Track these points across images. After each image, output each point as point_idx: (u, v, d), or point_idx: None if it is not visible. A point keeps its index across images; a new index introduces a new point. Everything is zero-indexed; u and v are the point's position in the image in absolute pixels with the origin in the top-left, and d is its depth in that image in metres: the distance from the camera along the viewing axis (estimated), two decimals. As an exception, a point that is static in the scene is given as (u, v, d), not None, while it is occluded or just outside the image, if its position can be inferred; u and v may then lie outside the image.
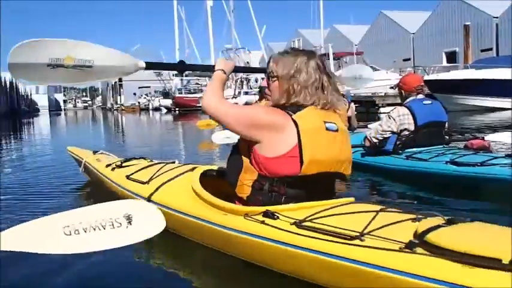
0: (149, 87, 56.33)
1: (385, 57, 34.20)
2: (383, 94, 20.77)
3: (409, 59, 35.21)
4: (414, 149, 4.60)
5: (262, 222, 2.20)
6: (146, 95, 57.66)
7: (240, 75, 31.14)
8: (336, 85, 2.46)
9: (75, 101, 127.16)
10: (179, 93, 43.35)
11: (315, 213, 2.13)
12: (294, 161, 2.26)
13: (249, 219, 2.25)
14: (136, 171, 3.55)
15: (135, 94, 64.11)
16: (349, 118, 6.65)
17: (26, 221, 3.58)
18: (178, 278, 2.48)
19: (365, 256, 1.82)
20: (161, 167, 3.45)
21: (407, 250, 1.76)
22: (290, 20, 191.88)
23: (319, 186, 2.37)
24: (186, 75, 44.51)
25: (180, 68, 3.44)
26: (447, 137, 4.90)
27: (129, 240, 2.19)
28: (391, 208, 2.21)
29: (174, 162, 3.69)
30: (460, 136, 7.24)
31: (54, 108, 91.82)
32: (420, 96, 4.79)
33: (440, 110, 4.80)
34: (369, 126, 7.35)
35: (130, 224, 2.18)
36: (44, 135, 20.15)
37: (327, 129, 2.33)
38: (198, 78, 45.57)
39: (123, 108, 62.71)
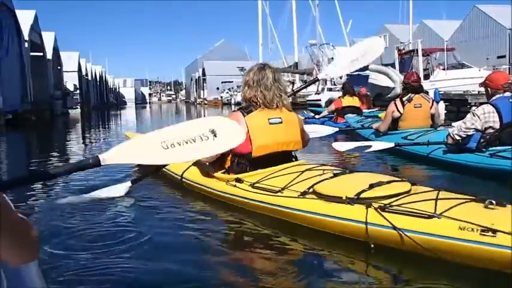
0: (232, 82, 57.15)
1: (477, 54, 32.19)
2: (476, 92, 19.57)
3: (504, 56, 33.03)
4: (498, 147, 4.45)
5: (235, 185, 3.43)
6: (229, 89, 58.57)
7: (324, 71, 30.43)
8: (283, 87, 3.63)
9: (160, 94, 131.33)
10: (261, 89, 43.56)
11: (264, 177, 3.31)
12: (247, 143, 3.37)
13: (228, 184, 3.50)
14: None
15: (217, 89, 65.36)
16: (432, 115, 6.46)
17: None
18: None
19: (279, 202, 3.03)
20: None
21: (301, 196, 2.93)
22: (377, 14, 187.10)
23: (273, 158, 3.51)
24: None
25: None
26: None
27: (217, 150, 2.69)
28: (315, 167, 3.34)
29: None
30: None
31: (140, 101, 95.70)
32: (508, 94, 4.60)
33: (528, 109, 4.55)
34: (452, 123, 7.05)
35: (216, 136, 2.49)
36: (129, 125, 21.21)
37: (271, 123, 3.51)
38: (282, 74, 45.53)
39: (206, 102, 64.49)
